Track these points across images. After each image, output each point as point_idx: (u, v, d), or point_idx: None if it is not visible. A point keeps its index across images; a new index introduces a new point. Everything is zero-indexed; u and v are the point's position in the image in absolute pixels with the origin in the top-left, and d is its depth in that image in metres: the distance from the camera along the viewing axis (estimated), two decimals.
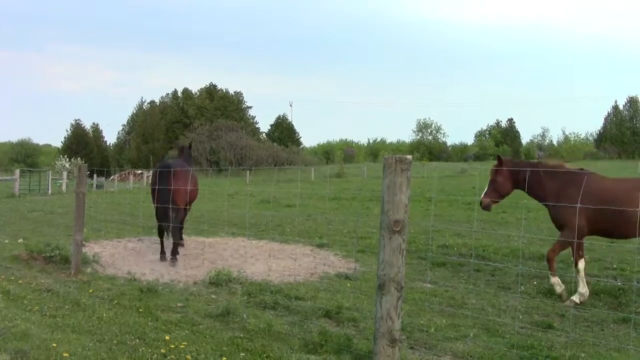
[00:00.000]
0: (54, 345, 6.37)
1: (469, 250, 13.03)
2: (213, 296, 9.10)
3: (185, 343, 6.57)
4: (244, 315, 7.75)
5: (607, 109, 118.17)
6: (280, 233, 16.26)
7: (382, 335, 5.33)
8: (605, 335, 7.66)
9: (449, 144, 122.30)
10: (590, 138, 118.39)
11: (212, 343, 6.66)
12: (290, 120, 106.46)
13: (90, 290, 9.19)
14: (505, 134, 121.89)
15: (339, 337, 6.80)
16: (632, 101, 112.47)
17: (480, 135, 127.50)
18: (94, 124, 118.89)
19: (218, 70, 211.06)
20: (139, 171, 66.89)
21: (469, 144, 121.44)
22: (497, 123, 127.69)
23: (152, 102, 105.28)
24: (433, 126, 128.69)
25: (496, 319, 8.06)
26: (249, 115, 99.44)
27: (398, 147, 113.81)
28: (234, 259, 12.42)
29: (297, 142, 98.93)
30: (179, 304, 8.47)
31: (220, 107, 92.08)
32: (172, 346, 6.44)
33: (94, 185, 50.46)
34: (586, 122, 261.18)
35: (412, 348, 6.83)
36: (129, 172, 69.58)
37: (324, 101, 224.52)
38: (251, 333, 7.10)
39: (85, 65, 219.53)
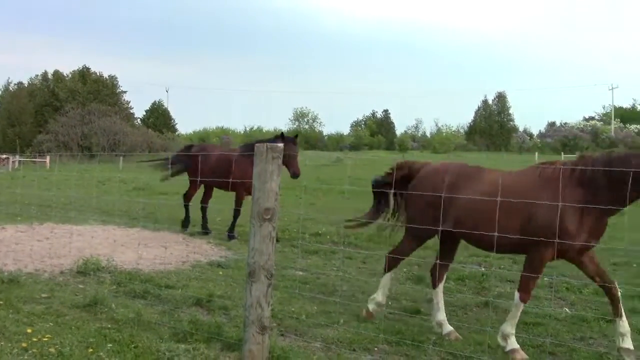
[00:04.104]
0: None
1: (341, 238, 13.19)
2: (80, 286, 8.83)
3: (50, 335, 6.33)
4: (113, 305, 7.57)
5: (477, 103, 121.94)
6: (152, 221, 15.96)
7: (252, 322, 5.34)
8: (469, 318, 7.98)
9: (325, 133, 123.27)
10: (462, 130, 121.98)
11: (78, 334, 6.45)
12: (166, 106, 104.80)
13: None
14: (381, 125, 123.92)
15: (209, 326, 6.76)
16: (500, 96, 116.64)
17: (356, 125, 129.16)
18: None
19: (91, 53, 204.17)
20: (4, 156, 64.23)
21: (344, 134, 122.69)
22: (373, 114, 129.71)
23: (19, 84, 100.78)
24: (310, 115, 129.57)
25: (366, 305, 8.21)
26: (124, 100, 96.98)
27: (274, 136, 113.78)
28: (104, 247, 12.08)
29: (173, 129, 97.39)
30: (43, 295, 8.15)
31: (94, 90, 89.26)
32: (35, 339, 6.18)
33: None
34: (458, 114, 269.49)
35: (282, 335, 6.88)
36: None
37: (201, 88, 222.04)
38: (120, 323, 6.93)
39: None
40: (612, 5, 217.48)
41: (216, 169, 14.21)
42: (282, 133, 14.45)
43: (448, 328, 7.25)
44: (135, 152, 66.84)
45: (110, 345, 6.15)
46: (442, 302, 7.50)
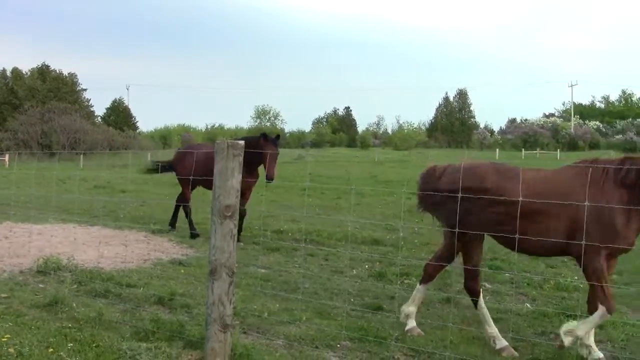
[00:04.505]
0: None
1: (303, 235, 13.20)
2: (40, 285, 8.75)
3: (9, 335, 6.24)
4: (73, 305, 7.51)
5: (438, 100, 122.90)
6: (113, 219, 15.85)
7: (213, 320, 5.33)
8: (431, 314, 8.04)
9: (287, 130, 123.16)
10: (423, 127, 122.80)
11: (38, 334, 6.38)
12: (127, 104, 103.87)
13: None
14: (342, 122, 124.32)
15: (171, 324, 6.75)
16: (461, 93, 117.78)
17: (317, 122, 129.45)
18: None
19: (51, 51, 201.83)
20: None
21: (306, 131, 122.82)
22: (335, 111, 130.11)
23: None
24: (271, 112, 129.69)
25: (328, 302, 8.24)
26: (84, 97, 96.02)
27: (236, 133, 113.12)
28: (64, 246, 11.97)
29: (134, 127, 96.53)
30: (2, 295, 8.05)
31: (53, 88, 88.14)
32: None
33: None
34: (419, 111, 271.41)
35: (245, 333, 6.88)
36: None
37: (162, 85, 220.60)
38: (80, 322, 6.88)
39: None
40: (573, 5, 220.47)
41: (206, 168, 12.47)
42: (264, 134, 13.55)
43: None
44: (96, 150, 66.24)
45: (71, 344, 6.10)
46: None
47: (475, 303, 7.09)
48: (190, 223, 14.00)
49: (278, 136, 13.78)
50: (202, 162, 13.45)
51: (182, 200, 14.49)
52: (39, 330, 6.57)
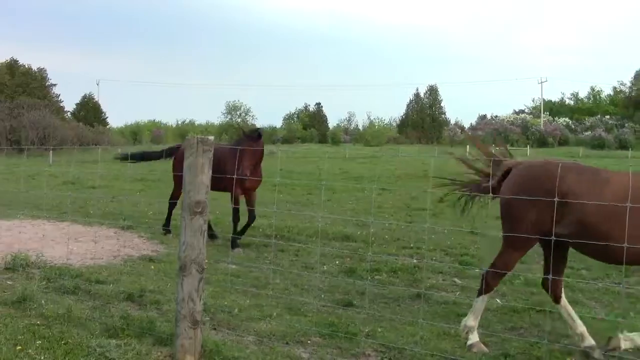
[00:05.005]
0: None
1: (273, 231, 13.21)
2: (9, 282, 8.64)
3: None
4: (42, 301, 7.43)
5: (409, 96, 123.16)
6: (83, 215, 15.72)
7: (183, 317, 5.34)
8: (401, 310, 8.08)
9: (258, 126, 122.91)
10: (394, 123, 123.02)
11: (6, 332, 6.31)
12: (97, 99, 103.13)
13: None
14: (313, 118, 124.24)
15: (141, 320, 6.72)
16: (432, 90, 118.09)
17: (288, 118, 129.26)
18: None
19: (19, 45, 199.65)
20: None
21: (277, 127, 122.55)
22: (306, 107, 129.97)
23: None
24: (242, 108, 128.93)
25: (299, 298, 8.25)
26: (53, 93, 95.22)
27: (207, 129, 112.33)
28: (33, 242, 11.87)
29: (104, 122, 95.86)
30: None
31: (22, 83, 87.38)
32: None
33: None
34: (390, 107, 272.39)
35: (215, 329, 6.87)
36: None
37: (133, 81, 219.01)
38: (49, 319, 6.82)
39: None
40: (542, 2, 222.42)
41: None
42: (243, 131, 13.23)
43: (590, 341, 6.59)
44: (66, 145, 65.67)
45: (40, 342, 6.05)
46: (574, 313, 6.83)
47: (480, 293, 6.88)
48: (168, 218, 13.83)
49: (256, 131, 13.03)
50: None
51: (171, 197, 14.11)
52: (6, 327, 6.50)
